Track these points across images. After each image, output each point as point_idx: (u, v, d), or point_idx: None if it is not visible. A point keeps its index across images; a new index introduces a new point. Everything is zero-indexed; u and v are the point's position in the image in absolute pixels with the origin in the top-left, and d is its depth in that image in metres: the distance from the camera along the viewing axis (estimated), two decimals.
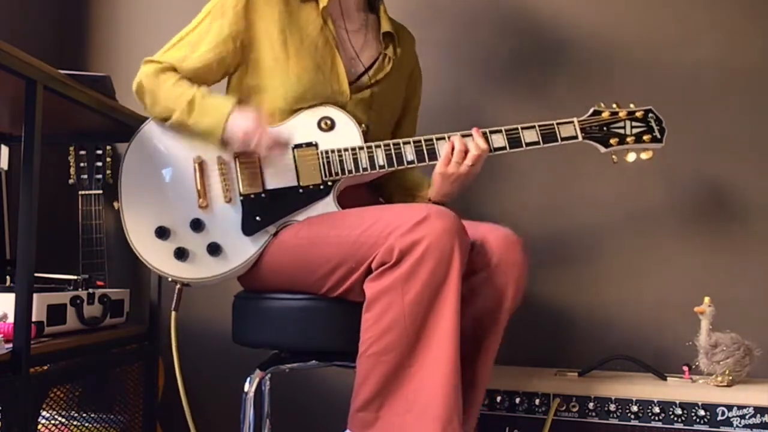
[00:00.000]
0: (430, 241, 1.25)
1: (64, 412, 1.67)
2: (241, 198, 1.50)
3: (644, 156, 1.56)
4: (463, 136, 1.51)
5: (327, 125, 1.53)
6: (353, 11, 1.65)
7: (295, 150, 1.52)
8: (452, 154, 1.49)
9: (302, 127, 1.53)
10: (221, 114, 1.46)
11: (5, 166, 1.95)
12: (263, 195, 1.50)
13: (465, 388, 1.35)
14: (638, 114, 1.56)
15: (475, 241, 1.40)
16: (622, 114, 1.56)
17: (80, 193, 2.01)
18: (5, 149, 1.96)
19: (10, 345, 1.33)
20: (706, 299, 1.66)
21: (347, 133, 1.53)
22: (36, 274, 1.37)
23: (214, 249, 1.48)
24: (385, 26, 1.65)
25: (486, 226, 1.45)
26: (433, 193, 1.56)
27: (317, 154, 1.52)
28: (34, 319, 1.42)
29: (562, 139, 1.54)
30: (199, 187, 1.51)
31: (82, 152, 2.03)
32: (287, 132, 1.50)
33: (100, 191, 2.02)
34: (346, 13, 1.64)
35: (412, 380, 1.26)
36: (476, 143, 1.50)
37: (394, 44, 1.66)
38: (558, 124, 1.54)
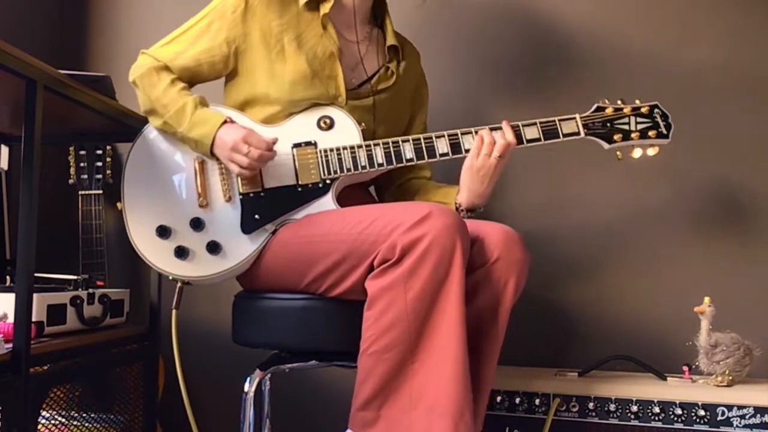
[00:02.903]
0: (432, 238, 1.25)
1: (64, 412, 1.67)
2: (241, 197, 1.51)
3: (651, 152, 1.55)
4: (493, 129, 1.51)
5: (326, 124, 1.53)
6: (357, 22, 1.64)
7: (294, 149, 1.53)
8: (482, 146, 1.49)
9: (301, 127, 1.54)
10: (212, 125, 1.48)
11: (5, 166, 1.95)
12: (262, 194, 1.51)
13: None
14: (644, 110, 1.55)
15: (476, 238, 1.40)
16: (627, 110, 1.55)
17: (80, 193, 2.01)
18: (5, 149, 1.96)
19: (10, 345, 1.33)
20: (706, 299, 1.66)
21: (346, 132, 1.53)
22: (36, 274, 1.37)
23: (214, 247, 1.48)
24: (390, 40, 1.64)
25: (486, 223, 1.45)
26: (463, 197, 1.54)
27: (316, 153, 1.52)
28: (34, 319, 1.42)
29: (564, 135, 1.53)
30: (199, 187, 1.52)
31: (82, 152, 2.03)
32: (271, 138, 1.49)
33: (100, 191, 2.02)
34: (349, 23, 1.63)
35: (416, 377, 1.26)
36: (503, 134, 1.50)
37: (398, 58, 1.65)
38: (560, 120, 1.53)
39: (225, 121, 1.49)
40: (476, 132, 1.51)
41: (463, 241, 1.28)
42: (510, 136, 1.50)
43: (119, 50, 2.28)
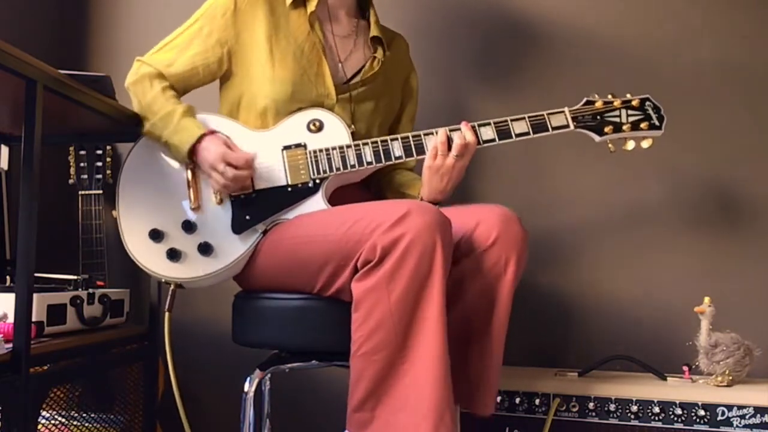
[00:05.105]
0: (411, 237, 1.25)
1: (64, 412, 1.67)
2: (232, 199, 1.52)
3: (644, 144, 1.54)
4: (452, 130, 1.51)
5: (316, 126, 1.55)
6: (343, 16, 1.67)
7: (285, 151, 1.54)
8: (437, 147, 1.49)
9: (291, 130, 1.56)
10: (191, 135, 1.50)
11: (5, 166, 1.95)
12: (253, 195, 1.52)
13: (479, 369, 1.39)
14: (634, 102, 1.54)
15: (474, 221, 1.40)
16: (617, 103, 1.54)
17: (80, 193, 2.01)
18: (5, 149, 1.96)
19: (10, 345, 1.32)
20: (706, 299, 1.66)
21: (336, 134, 1.55)
22: (36, 274, 1.37)
23: (205, 249, 1.49)
24: (374, 31, 1.65)
25: (482, 206, 1.46)
26: (425, 192, 1.55)
27: (306, 153, 1.53)
28: (34, 319, 1.42)
29: (553, 128, 1.52)
30: (191, 190, 1.53)
31: (82, 152, 2.03)
32: (249, 155, 1.51)
33: (100, 191, 2.02)
34: (335, 18, 1.66)
35: (405, 377, 1.26)
36: (461, 135, 1.50)
37: (383, 47, 1.66)
38: (549, 114, 1.53)
39: (205, 134, 1.50)
40: (451, 131, 1.51)
41: (444, 238, 1.27)
42: (469, 137, 1.50)
43: (119, 50, 2.28)
